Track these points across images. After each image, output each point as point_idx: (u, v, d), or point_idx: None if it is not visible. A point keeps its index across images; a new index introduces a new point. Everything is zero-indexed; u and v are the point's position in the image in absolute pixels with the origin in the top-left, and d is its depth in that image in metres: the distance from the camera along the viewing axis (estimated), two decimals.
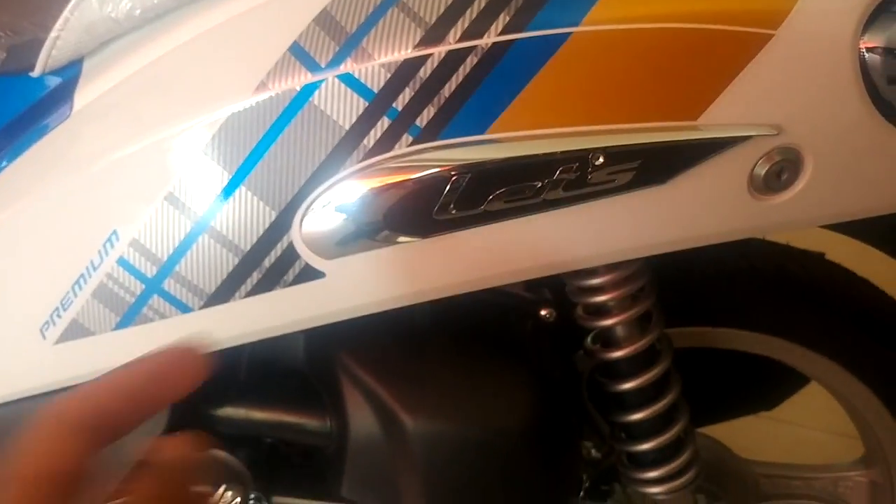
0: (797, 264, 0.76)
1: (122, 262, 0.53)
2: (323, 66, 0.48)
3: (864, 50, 0.50)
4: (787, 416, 1.01)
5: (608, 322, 0.65)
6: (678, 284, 0.68)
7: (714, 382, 0.81)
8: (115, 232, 0.53)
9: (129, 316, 0.55)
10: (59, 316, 0.55)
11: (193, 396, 0.64)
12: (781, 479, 0.86)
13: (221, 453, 0.68)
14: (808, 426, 1.35)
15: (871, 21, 0.49)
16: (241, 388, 0.65)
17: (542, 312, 0.68)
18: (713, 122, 0.49)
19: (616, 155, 0.49)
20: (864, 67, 0.50)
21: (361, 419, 0.62)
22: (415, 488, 0.61)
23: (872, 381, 0.76)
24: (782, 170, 0.51)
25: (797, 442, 1.36)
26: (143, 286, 0.54)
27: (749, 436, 1.12)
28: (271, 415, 0.65)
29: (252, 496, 0.69)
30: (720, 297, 0.72)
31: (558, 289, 0.68)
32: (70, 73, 0.56)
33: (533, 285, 0.70)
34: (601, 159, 0.49)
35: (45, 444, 0.30)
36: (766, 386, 0.87)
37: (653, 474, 0.70)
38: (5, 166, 0.57)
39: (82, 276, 0.54)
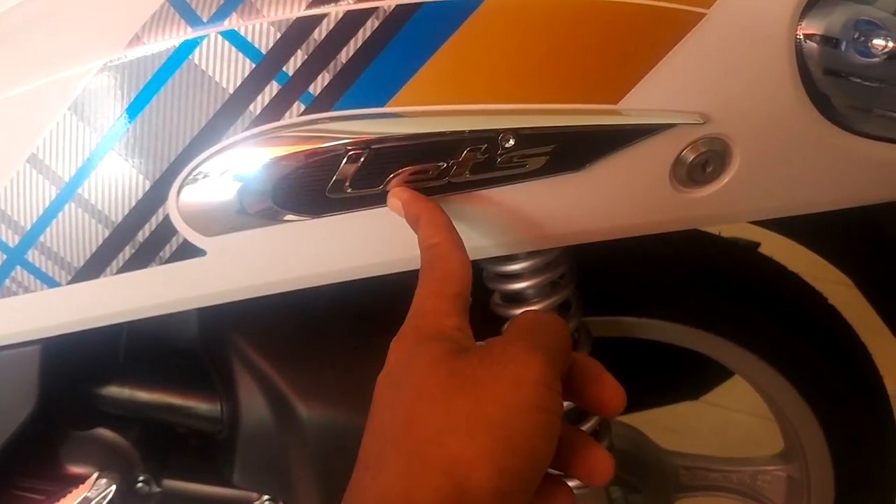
0: (725, 255, 0.73)
1: None
2: (205, 20, 0.43)
3: (801, 37, 0.46)
4: (714, 399, 1.00)
5: (526, 310, 0.62)
6: (598, 271, 0.65)
7: (637, 372, 0.78)
8: None
9: None
10: None
11: (70, 374, 0.59)
12: (700, 470, 0.85)
13: (106, 432, 0.63)
14: (735, 409, 1.35)
15: (811, 6, 0.46)
16: (125, 367, 0.60)
17: None
18: (635, 107, 0.45)
19: (528, 137, 0.45)
20: (800, 56, 0.46)
21: (253, 405, 0.57)
22: (308, 479, 0.57)
23: (796, 378, 0.74)
24: (707, 161, 0.48)
25: (724, 425, 1.36)
26: (5, 256, 0.49)
27: (676, 418, 1.11)
28: (158, 396, 0.61)
29: (141, 478, 0.65)
30: (642, 286, 0.70)
31: (475, 273, 0.64)
32: None
33: None
34: (511, 141, 0.45)
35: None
36: (692, 376, 0.85)
37: None
38: None
39: None
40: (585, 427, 0.66)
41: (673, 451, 0.85)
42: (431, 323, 0.38)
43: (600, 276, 0.68)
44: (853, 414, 0.76)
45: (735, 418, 1.34)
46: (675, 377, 0.84)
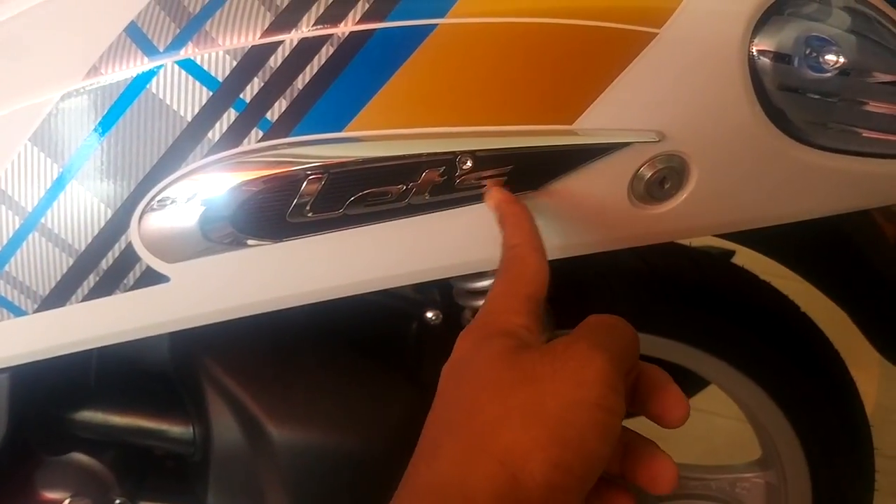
0: (696, 266, 0.74)
1: None
2: (161, 49, 0.43)
3: (754, 53, 0.47)
4: (698, 403, 1.01)
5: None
6: (570, 284, 0.65)
7: None
8: None
9: None
10: None
11: (41, 400, 0.59)
12: (679, 478, 0.85)
13: (82, 457, 0.63)
14: (719, 414, 1.35)
15: (763, 23, 0.46)
16: (98, 391, 0.60)
17: (429, 314, 0.65)
18: (590, 127, 0.45)
19: (485, 159, 0.45)
20: (754, 72, 0.47)
21: (225, 428, 0.58)
22: (280, 499, 0.58)
23: (770, 386, 0.75)
24: (665, 178, 0.48)
25: (708, 429, 1.36)
26: None
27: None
28: (131, 419, 0.61)
29: (117, 501, 0.65)
30: (614, 298, 0.70)
31: (447, 289, 0.64)
32: None
33: (422, 286, 0.66)
34: (469, 163, 0.45)
35: None
36: None
37: None
38: None
39: None
40: None
41: None
42: (499, 320, 0.39)
43: (573, 290, 0.68)
44: (828, 421, 0.77)
45: (719, 423, 1.34)
46: None
